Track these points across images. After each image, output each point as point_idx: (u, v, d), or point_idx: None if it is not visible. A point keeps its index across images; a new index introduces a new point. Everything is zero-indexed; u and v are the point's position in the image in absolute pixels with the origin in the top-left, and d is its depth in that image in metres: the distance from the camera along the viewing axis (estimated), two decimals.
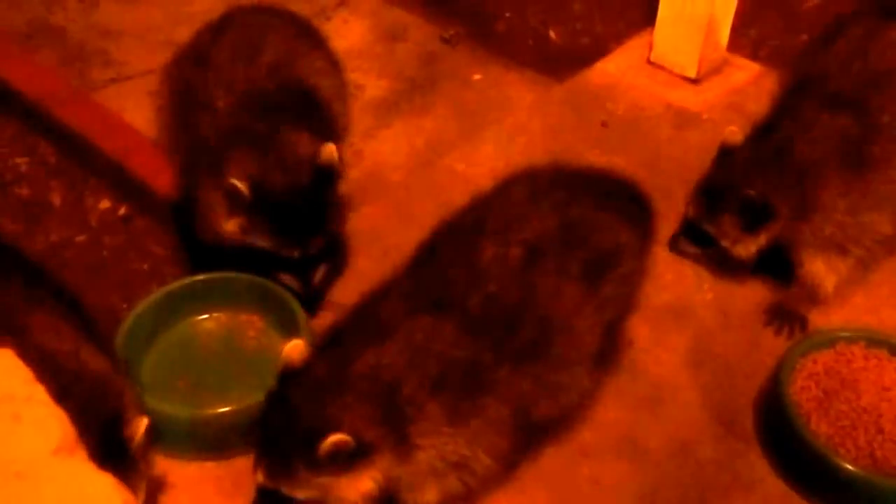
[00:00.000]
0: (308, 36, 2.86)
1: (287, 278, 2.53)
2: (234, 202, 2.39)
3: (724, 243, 2.62)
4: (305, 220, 2.45)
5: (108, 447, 1.92)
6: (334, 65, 2.89)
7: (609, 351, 2.36)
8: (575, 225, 2.18)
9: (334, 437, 1.86)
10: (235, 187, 2.35)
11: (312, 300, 2.56)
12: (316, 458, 1.88)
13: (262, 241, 2.45)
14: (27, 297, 2.11)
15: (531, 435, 2.22)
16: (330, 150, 2.45)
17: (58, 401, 1.83)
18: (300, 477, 1.94)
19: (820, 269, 2.58)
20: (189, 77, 2.65)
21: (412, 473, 2.00)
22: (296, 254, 2.47)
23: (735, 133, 2.63)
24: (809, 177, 2.51)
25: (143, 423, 2.00)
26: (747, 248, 2.60)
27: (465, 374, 1.99)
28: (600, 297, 2.16)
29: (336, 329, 2.09)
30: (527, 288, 2.07)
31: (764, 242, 2.58)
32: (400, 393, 1.95)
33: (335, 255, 2.66)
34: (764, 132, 2.62)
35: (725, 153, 2.63)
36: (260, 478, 1.98)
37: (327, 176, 2.46)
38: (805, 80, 2.71)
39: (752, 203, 2.51)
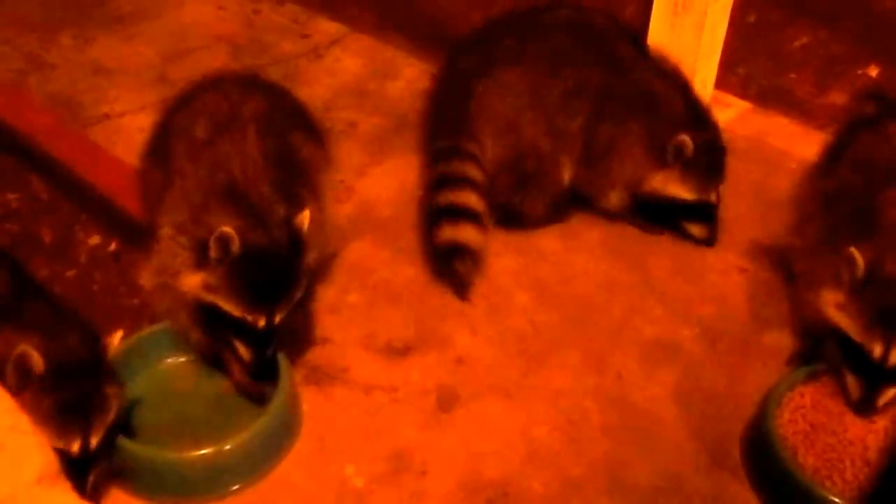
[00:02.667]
0: (293, 106, 2.80)
1: (241, 347, 2.36)
2: (206, 255, 2.26)
3: None
4: (278, 287, 2.31)
5: None
6: (315, 138, 2.78)
7: None
8: None
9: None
10: (227, 238, 2.22)
11: (263, 371, 2.41)
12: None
13: (228, 303, 2.29)
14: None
15: None
16: (305, 216, 2.35)
17: None
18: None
19: None
20: (172, 114, 2.65)
21: None
22: (262, 322, 2.31)
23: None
24: None
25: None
26: None
27: None
28: None
29: None
30: None
31: None
32: None
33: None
34: None
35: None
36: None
37: (300, 244, 2.34)
38: None
39: None
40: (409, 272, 2.92)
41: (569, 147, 2.98)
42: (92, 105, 3.61)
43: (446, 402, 2.55)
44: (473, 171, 2.91)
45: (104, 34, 4.03)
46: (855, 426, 2.35)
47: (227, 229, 2.23)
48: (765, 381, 2.52)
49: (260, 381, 2.42)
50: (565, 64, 2.95)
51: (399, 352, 2.67)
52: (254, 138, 2.46)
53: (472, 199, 2.86)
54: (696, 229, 3.00)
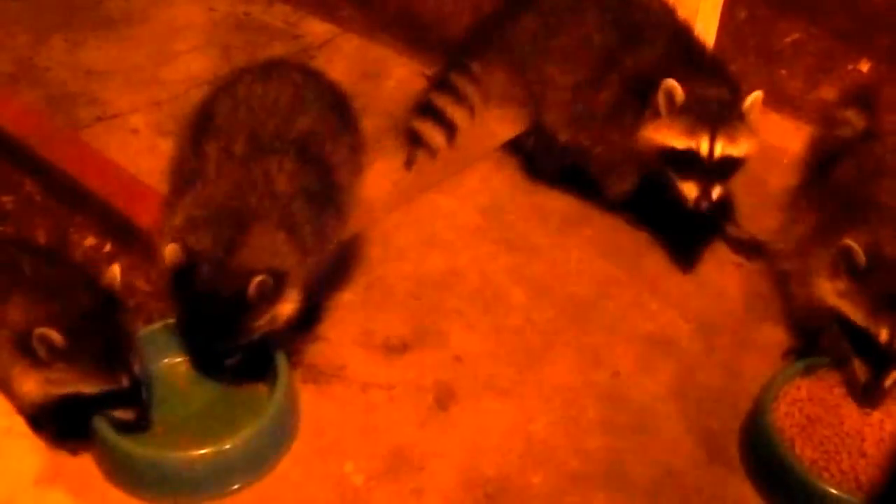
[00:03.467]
0: (342, 114, 2.74)
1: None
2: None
3: None
4: (215, 332, 2.30)
5: None
6: (357, 148, 2.78)
7: None
8: None
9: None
10: (168, 266, 2.26)
11: (223, 374, 2.47)
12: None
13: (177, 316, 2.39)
14: None
15: None
16: (255, 282, 2.22)
17: None
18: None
19: None
20: (217, 105, 2.58)
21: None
22: (203, 351, 2.42)
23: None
24: None
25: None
26: None
27: None
28: None
29: None
30: None
31: None
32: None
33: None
34: None
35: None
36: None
37: (243, 303, 2.25)
38: None
39: None
40: (405, 270, 2.92)
41: (558, 103, 3.02)
42: (84, 107, 3.59)
43: (444, 399, 2.55)
44: (470, 92, 3.24)
45: (95, 37, 4.01)
46: (851, 418, 2.36)
47: (169, 258, 2.24)
48: (761, 374, 2.53)
49: (227, 379, 2.48)
50: (573, 20, 2.99)
51: (396, 349, 2.68)
52: (290, 167, 2.43)
53: (454, 112, 3.26)
54: (686, 187, 2.72)
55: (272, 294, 2.27)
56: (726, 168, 2.73)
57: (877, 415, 2.38)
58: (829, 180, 2.67)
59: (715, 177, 2.72)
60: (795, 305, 2.61)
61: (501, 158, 3.37)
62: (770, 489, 2.32)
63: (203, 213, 2.33)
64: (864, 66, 3.85)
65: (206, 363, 2.47)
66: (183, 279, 2.26)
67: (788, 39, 3.95)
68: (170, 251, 2.24)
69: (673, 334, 2.73)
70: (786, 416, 2.37)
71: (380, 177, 3.33)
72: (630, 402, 2.55)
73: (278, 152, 2.44)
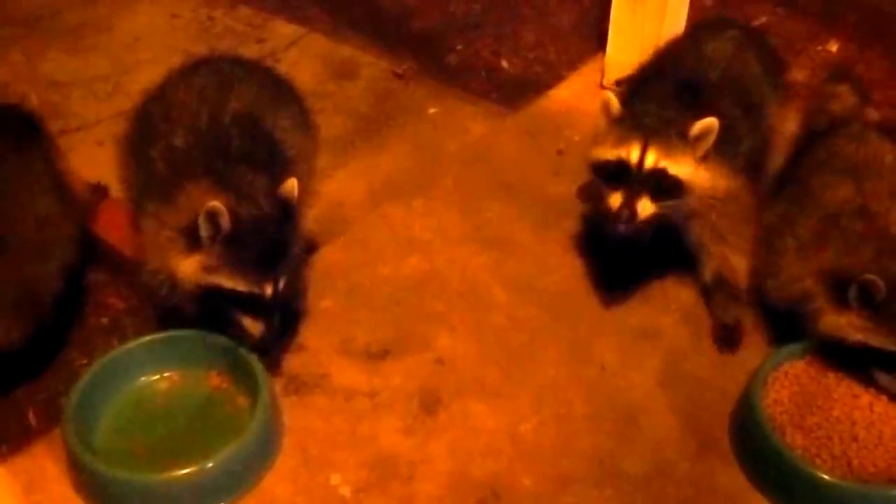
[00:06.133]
0: (279, 93, 2.76)
1: (249, 322, 2.37)
2: (197, 236, 2.25)
3: None
4: (276, 253, 2.32)
5: None
6: (302, 125, 2.77)
7: None
8: None
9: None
10: (215, 213, 2.21)
11: (272, 344, 2.45)
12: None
13: (231, 280, 2.29)
14: None
15: None
16: (293, 184, 2.36)
17: None
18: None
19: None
20: (151, 111, 2.59)
21: None
22: (269, 290, 2.32)
23: None
24: None
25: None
26: None
27: None
28: None
29: None
30: None
31: None
32: None
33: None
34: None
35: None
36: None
37: (289, 210, 2.36)
38: None
39: None
40: (383, 274, 2.88)
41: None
42: (47, 121, 3.50)
43: (429, 404, 2.51)
44: None
45: (55, 48, 3.96)
46: (841, 403, 2.35)
47: (216, 204, 2.22)
48: (748, 362, 2.51)
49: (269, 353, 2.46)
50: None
51: (378, 355, 2.63)
52: (236, 142, 2.44)
53: None
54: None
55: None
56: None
57: (866, 398, 2.36)
58: (796, 169, 2.66)
59: None
60: (770, 299, 2.57)
61: (475, 155, 3.33)
62: (762, 477, 2.30)
63: (178, 182, 2.34)
64: (833, 47, 3.85)
65: (271, 316, 2.38)
66: (240, 235, 2.26)
67: (757, 23, 3.95)
68: (221, 212, 2.22)
69: (658, 326, 2.70)
70: (775, 404, 2.35)
71: (354, 177, 3.30)
72: (618, 397, 2.52)
73: (219, 132, 2.45)
